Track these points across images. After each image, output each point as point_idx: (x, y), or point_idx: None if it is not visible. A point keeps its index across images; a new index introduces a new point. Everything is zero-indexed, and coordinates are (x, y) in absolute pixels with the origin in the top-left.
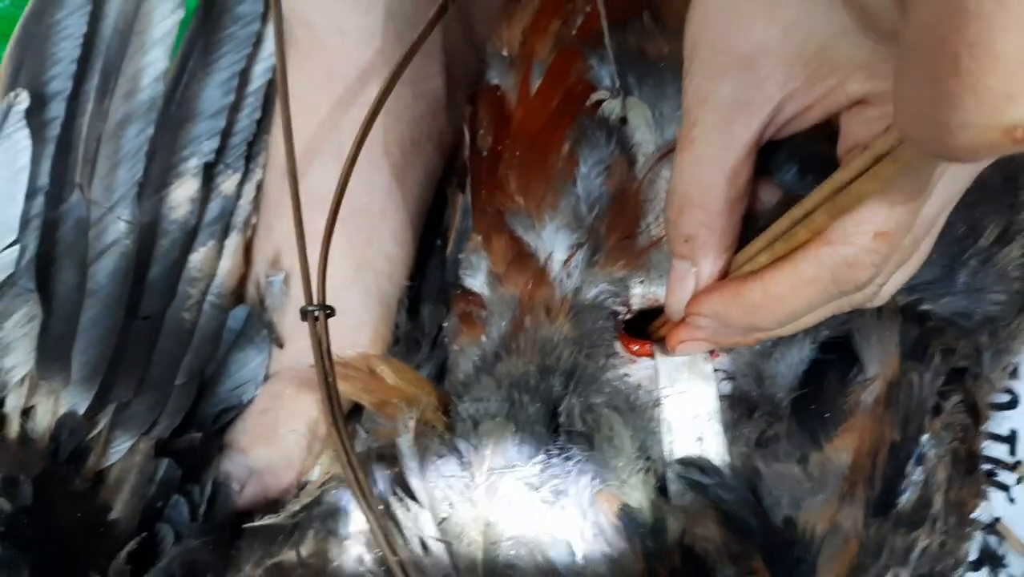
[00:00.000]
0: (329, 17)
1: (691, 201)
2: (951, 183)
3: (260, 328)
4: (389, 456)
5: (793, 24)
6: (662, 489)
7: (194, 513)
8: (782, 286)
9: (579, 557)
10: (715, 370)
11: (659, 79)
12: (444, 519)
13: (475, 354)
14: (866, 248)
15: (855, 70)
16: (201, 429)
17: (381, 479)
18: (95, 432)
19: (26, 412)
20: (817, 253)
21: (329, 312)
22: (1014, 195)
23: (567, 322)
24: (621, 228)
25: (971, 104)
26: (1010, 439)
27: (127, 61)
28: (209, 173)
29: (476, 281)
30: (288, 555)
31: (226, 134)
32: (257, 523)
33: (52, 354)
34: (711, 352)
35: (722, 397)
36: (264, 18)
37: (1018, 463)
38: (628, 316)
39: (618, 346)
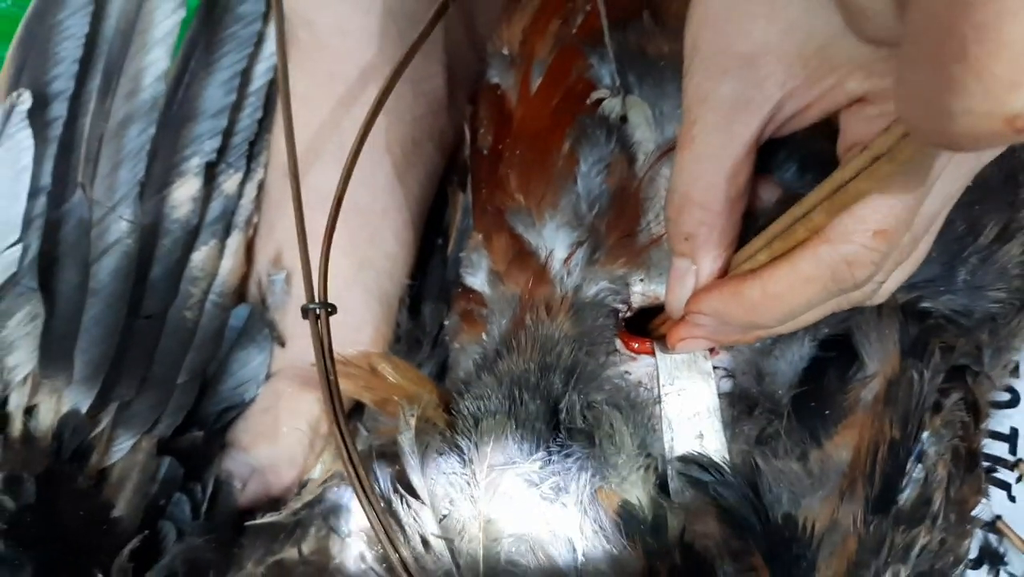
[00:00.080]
0: (331, 17)
1: (691, 200)
2: (950, 181)
3: (262, 327)
4: (390, 454)
5: (793, 24)
6: (662, 486)
7: (196, 511)
8: (781, 284)
9: (579, 554)
10: (715, 368)
11: (659, 78)
12: (445, 516)
13: (476, 352)
14: (865, 246)
15: (854, 69)
16: (203, 427)
17: (382, 477)
18: (98, 430)
19: (29, 411)
20: (816, 251)
21: (330, 310)
22: (1014, 193)
23: (567, 320)
24: (621, 226)
25: (975, 90)
26: (1011, 437)
27: (129, 61)
28: (211, 172)
29: (477, 279)
30: (290, 552)
31: (228, 133)
32: (259, 521)
33: (55, 353)
34: (711, 350)
35: (722, 394)
36: (266, 18)
37: (1019, 461)
38: (628, 314)
39: (618, 344)
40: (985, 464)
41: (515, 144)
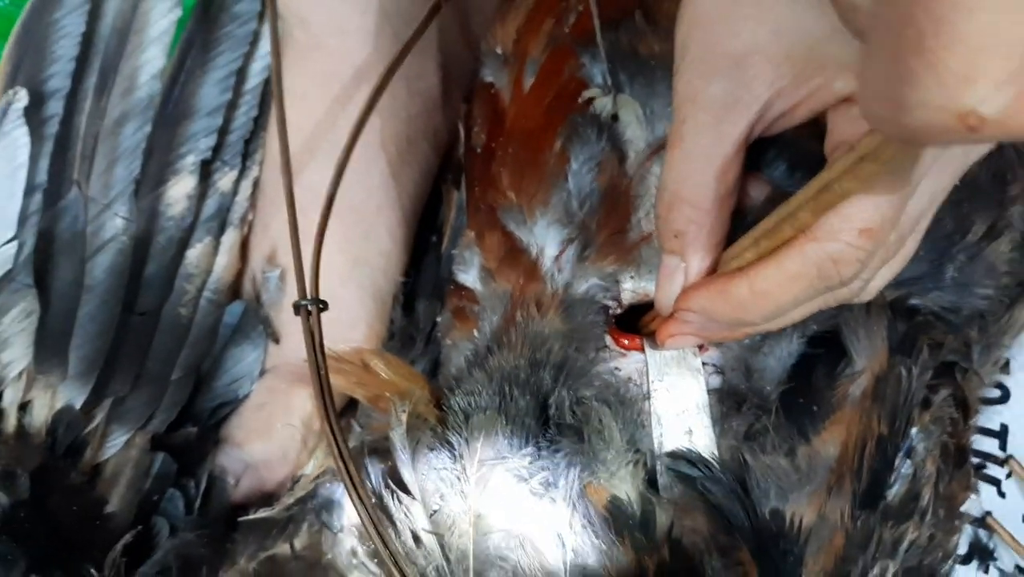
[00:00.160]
0: (326, 16)
1: (680, 197)
2: (937, 180)
3: (256, 324)
4: (382, 450)
5: (781, 25)
6: (651, 481)
7: (189, 507)
8: (768, 282)
9: (568, 549)
10: (704, 364)
11: (650, 77)
12: (435, 511)
13: (467, 348)
14: (851, 244)
15: (841, 69)
16: (197, 424)
17: (374, 472)
18: (92, 426)
19: (23, 406)
20: (802, 249)
21: (322, 306)
22: (1002, 191)
23: (558, 316)
24: (612, 224)
25: (930, 82)
26: (1000, 433)
27: (125, 59)
28: (206, 170)
29: (469, 276)
30: (282, 548)
31: (223, 132)
32: (252, 516)
33: (49, 349)
34: (700, 346)
35: (711, 391)
36: (261, 17)
37: (1008, 457)
38: (618, 311)
39: (608, 340)
40: (975, 460)
41: (508, 142)
